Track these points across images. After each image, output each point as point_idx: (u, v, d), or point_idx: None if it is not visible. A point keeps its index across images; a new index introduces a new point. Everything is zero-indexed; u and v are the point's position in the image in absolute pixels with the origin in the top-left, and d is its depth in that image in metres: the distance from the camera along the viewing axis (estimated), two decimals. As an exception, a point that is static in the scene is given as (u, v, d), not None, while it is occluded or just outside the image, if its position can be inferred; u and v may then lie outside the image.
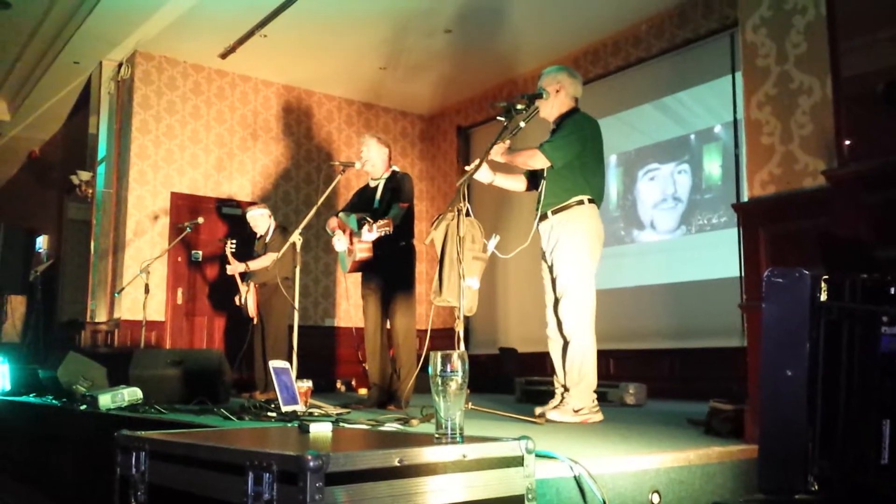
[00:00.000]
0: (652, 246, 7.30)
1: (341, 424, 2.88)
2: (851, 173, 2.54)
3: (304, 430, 2.14)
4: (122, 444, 2.04)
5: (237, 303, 6.76)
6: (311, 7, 7.03)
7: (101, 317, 8.22)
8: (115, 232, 8.19)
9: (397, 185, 4.85)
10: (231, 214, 8.46)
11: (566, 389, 3.73)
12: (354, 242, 4.67)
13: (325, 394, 6.89)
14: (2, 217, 11.78)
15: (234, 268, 6.74)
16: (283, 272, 5.89)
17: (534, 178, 4.04)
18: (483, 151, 3.80)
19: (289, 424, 3.08)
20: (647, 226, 7.37)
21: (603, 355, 3.83)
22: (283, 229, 6.82)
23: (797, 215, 2.74)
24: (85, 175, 8.73)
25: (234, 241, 6.91)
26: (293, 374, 3.90)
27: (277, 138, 9.00)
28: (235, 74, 8.74)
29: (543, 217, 3.87)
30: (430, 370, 1.81)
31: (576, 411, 3.62)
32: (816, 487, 1.96)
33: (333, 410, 3.99)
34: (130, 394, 4.38)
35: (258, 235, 6.89)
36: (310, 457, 1.40)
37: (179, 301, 8.15)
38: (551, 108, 3.94)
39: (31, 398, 5.68)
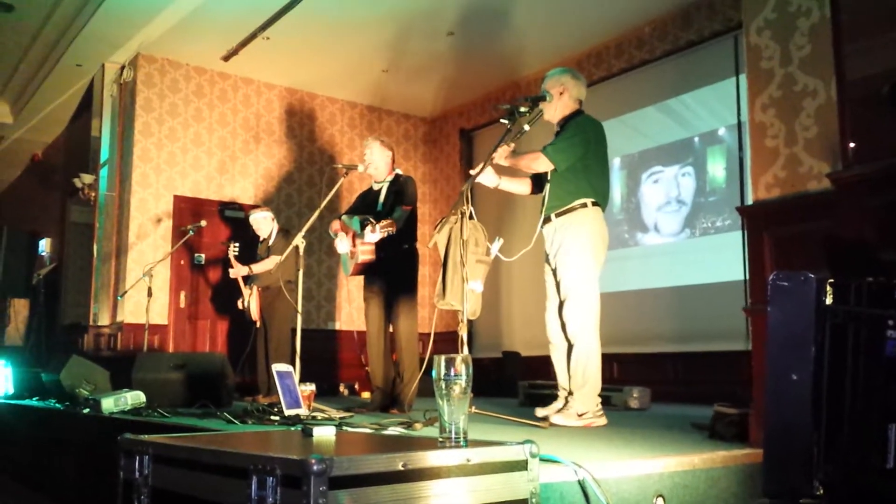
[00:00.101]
0: (656, 249, 7.29)
1: (344, 428, 2.88)
2: (856, 176, 2.54)
3: (307, 433, 2.14)
4: (125, 448, 2.03)
5: (240, 306, 6.76)
6: (313, 10, 7.03)
7: (104, 320, 8.22)
8: (118, 235, 8.20)
9: (400, 189, 4.84)
10: (234, 217, 8.46)
11: (570, 393, 3.72)
12: (357, 244, 4.66)
13: (328, 397, 6.89)
14: (4, 220, 11.79)
15: (237, 271, 6.73)
16: (286, 275, 5.90)
17: (539, 180, 4.03)
18: (486, 155, 3.80)
19: (292, 428, 3.07)
20: (650, 229, 7.36)
21: (607, 359, 3.82)
22: (286, 232, 6.82)
23: (802, 218, 2.74)
24: (87, 178, 8.75)
25: (236, 245, 6.90)
26: (296, 377, 3.89)
27: (280, 141, 9.01)
28: (238, 77, 8.75)
29: (547, 220, 3.87)
30: (434, 374, 1.81)
31: (580, 415, 3.61)
32: (821, 491, 1.95)
33: (336, 414, 3.98)
34: (133, 397, 4.38)
35: (261, 238, 6.89)
36: (314, 460, 1.40)
37: (182, 304, 8.15)
38: (555, 110, 3.93)
39: (34, 402, 5.68)
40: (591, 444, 2.79)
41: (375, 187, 4.99)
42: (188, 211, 8.21)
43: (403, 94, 9.33)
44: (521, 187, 4.12)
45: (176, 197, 8.23)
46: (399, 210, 4.70)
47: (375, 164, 4.91)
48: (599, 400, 3.72)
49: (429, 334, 3.76)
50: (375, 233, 4.37)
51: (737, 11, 6.18)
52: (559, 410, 3.72)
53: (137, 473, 1.97)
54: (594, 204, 3.79)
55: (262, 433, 2.64)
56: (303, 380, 3.99)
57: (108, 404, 4.24)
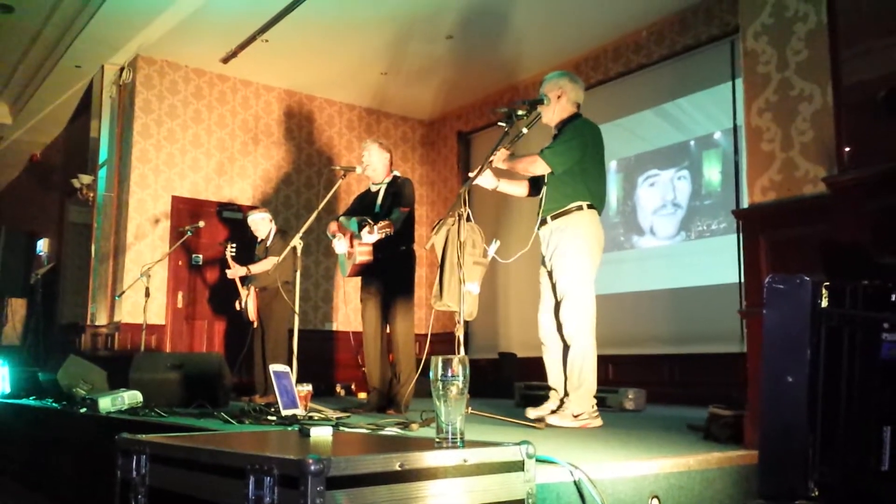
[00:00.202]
0: (652, 252, 7.31)
1: (341, 428, 2.89)
2: (852, 180, 2.55)
3: (304, 433, 2.14)
4: (122, 448, 2.04)
5: (237, 307, 6.76)
6: (312, 12, 7.04)
7: (102, 320, 8.22)
8: (116, 235, 8.20)
9: (398, 190, 4.85)
10: (232, 218, 8.47)
11: (566, 394, 3.74)
12: (355, 245, 4.67)
13: (325, 398, 6.89)
14: (3, 220, 11.80)
15: (235, 272, 6.73)
16: (284, 276, 5.90)
17: (536, 183, 4.05)
18: (484, 157, 3.81)
19: (289, 428, 3.07)
20: (646, 231, 7.38)
21: (602, 360, 3.84)
22: (284, 233, 6.82)
23: (798, 222, 2.74)
24: (86, 178, 8.74)
25: (234, 245, 6.91)
26: (293, 377, 3.90)
27: (278, 142, 9.01)
28: (237, 79, 8.75)
29: (543, 222, 3.88)
30: (431, 375, 1.82)
31: (575, 416, 3.62)
32: (816, 493, 1.96)
33: (333, 414, 3.99)
34: (130, 397, 4.38)
35: (259, 239, 6.89)
36: (311, 460, 1.40)
37: (180, 304, 8.15)
38: (553, 113, 3.95)
39: (31, 401, 5.67)
40: (587, 445, 2.80)
41: (373, 189, 5.00)
42: (186, 212, 8.22)
43: (402, 96, 9.34)
44: (519, 189, 4.14)
45: (174, 198, 8.23)
46: (397, 211, 4.71)
47: (373, 166, 4.92)
48: (595, 401, 3.73)
49: (426, 335, 3.77)
50: (373, 234, 4.38)
51: (734, 16, 6.20)
52: (554, 411, 3.73)
53: (135, 473, 1.97)
54: (590, 207, 3.81)
55: (259, 433, 2.65)
56: (299, 380, 3.99)
57: (106, 404, 4.24)
